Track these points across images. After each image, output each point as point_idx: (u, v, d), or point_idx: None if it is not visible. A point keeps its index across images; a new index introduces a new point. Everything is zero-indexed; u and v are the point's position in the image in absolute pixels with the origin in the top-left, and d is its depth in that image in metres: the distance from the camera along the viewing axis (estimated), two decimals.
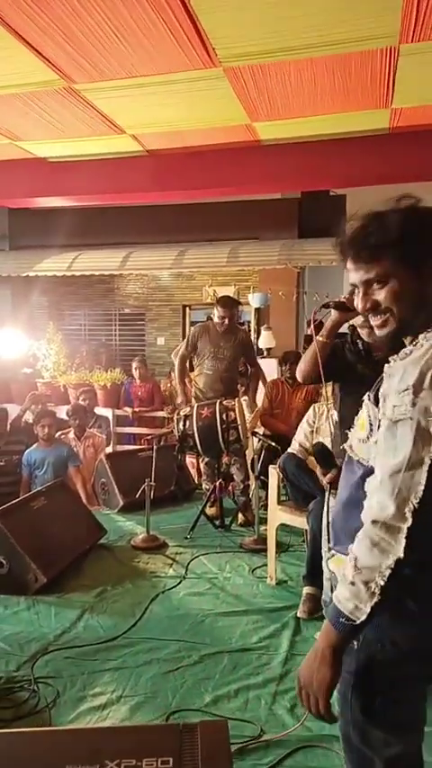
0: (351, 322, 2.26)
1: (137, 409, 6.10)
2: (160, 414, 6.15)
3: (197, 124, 4.02)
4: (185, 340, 4.65)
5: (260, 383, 4.87)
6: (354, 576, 1.03)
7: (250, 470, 4.35)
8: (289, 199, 6.89)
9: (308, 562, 2.88)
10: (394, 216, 1.11)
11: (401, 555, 1.00)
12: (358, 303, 1.18)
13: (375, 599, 1.01)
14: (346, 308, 2.11)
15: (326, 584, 1.30)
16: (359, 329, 2.22)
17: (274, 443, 4.00)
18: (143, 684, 2.36)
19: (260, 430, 4.54)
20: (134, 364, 6.38)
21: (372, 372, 2.21)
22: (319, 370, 2.11)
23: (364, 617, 1.02)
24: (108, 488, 4.67)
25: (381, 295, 1.13)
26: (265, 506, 3.47)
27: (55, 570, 3.22)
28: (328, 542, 1.29)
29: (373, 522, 1.03)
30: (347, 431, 1.29)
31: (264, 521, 3.74)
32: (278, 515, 3.22)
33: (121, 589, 3.23)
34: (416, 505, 1.00)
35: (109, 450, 5.52)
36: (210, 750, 0.92)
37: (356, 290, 1.18)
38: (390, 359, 1.12)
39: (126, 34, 2.80)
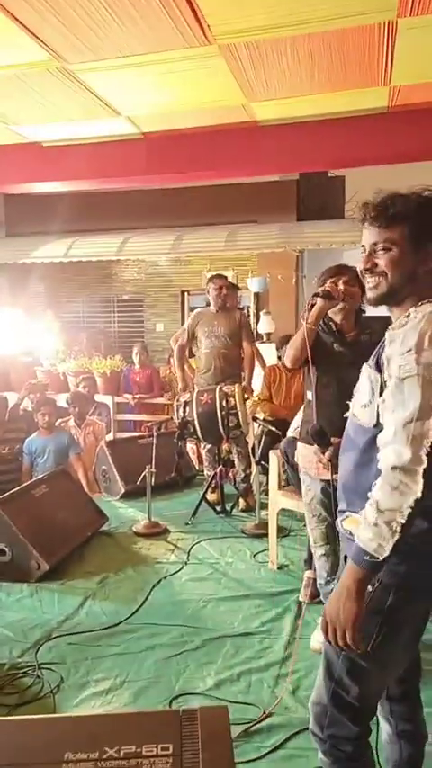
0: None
1: (137, 396, 6.08)
2: (161, 400, 6.13)
3: (193, 105, 3.95)
4: (183, 329, 4.62)
5: (258, 365, 4.80)
6: (377, 517, 1.16)
7: (251, 456, 4.34)
8: (287, 181, 6.81)
9: (309, 546, 2.88)
10: (416, 198, 1.28)
11: (419, 494, 1.14)
12: (361, 262, 1.34)
13: (397, 536, 1.15)
14: (331, 297, 2.29)
15: (342, 544, 1.43)
16: (332, 314, 2.40)
17: (274, 428, 3.99)
18: (146, 669, 2.37)
19: (260, 415, 4.52)
20: (135, 350, 6.35)
21: (346, 349, 2.31)
22: (307, 355, 2.26)
23: (386, 553, 1.16)
24: (109, 475, 4.67)
25: (381, 260, 1.30)
26: (266, 491, 3.47)
27: (57, 557, 3.23)
28: (340, 507, 1.40)
29: (393, 467, 1.16)
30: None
31: (265, 506, 3.74)
32: (279, 500, 3.21)
33: (123, 575, 3.24)
34: (429, 449, 1.15)
35: (109, 437, 5.52)
36: (210, 735, 0.91)
37: (363, 250, 1.34)
38: (389, 328, 1.28)
39: (119, 11, 2.73)
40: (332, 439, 2.03)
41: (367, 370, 1.32)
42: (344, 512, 1.37)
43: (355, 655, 1.29)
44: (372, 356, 1.33)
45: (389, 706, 1.52)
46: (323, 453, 2.05)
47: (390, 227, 1.28)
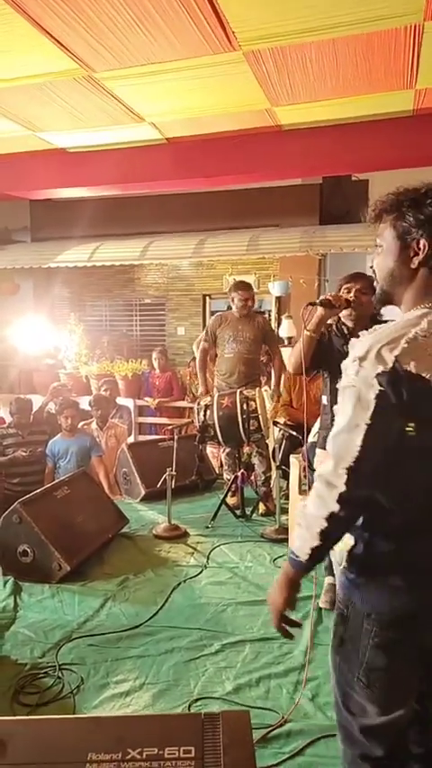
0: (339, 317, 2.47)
1: (158, 399, 6.12)
2: (182, 403, 6.15)
3: (217, 110, 3.96)
4: (205, 331, 4.63)
5: (282, 372, 4.82)
6: (301, 519, 1.18)
7: (271, 460, 4.33)
8: (310, 184, 6.79)
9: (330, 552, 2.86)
10: (404, 192, 1.23)
11: (335, 509, 1.12)
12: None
13: (316, 542, 1.16)
14: (331, 305, 2.31)
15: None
16: (345, 319, 2.44)
17: (294, 433, 3.98)
18: (165, 672, 2.38)
19: (281, 419, 4.51)
20: (154, 355, 6.39)
21: None
22: (308, 362, 2.35)
23: (306, 555, 1.18)
24: (130, 478, 4.69)
25: (375, 259, 1.29)
26: (287, 496, 3.46)
27: (78, 559, 3.26)
28: None
29: (318, 475, 1.16)
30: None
31: (285, 510, 3.74)
32: (299, 505, 3.19)
33: (143, 578, 3.25)
34: (351, 464, 1.10)
35: (131, 440, 5.55)
36: (232, 740, 0.92)
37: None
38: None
39: (145, 20, 2.76)
40: None
41: None
42: None
43: (345, 686, 1.26)
44: None
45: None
46: None
47: (380, 225, 1.27)
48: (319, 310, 2.33)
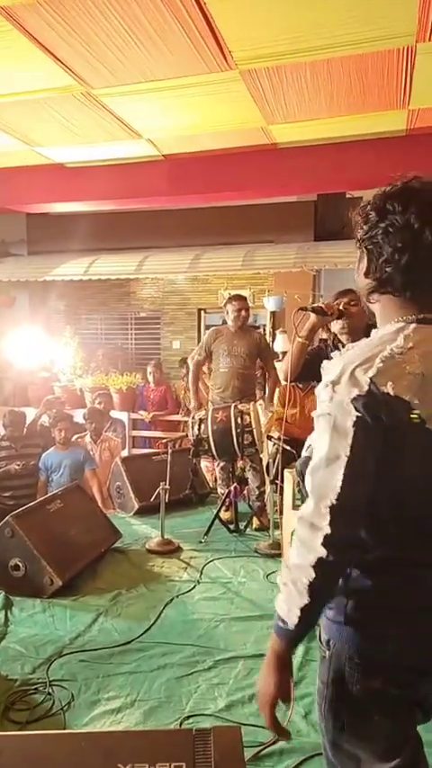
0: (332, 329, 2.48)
1: (153, 413, 6.11)
2: (176, 417, 6.15)
3: (213, 128, 4.02)
4: (199, 346, 4.65)
5: (276, 387, 4.84)
6: (286, 576, 1.01)
7: (265, 474, 4.33)
8: (304, 201, 6.87)
9: None
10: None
11: (323, 554, 0.97)
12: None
13: (305, 600, 0.98)
14: (323, 313, 2.32)
15: None
16: (339, 334, 2.43)
17: (289, 447, 3.97)
18: (157, 689, 2.35)
19: (275, 434, 4.51)
20: (149, 368, 6.40)
21: None
22: (298, 369, 2.35)
23: (295, 620, 0.99)
24: (123, 492, 4.67)
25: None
26: (280, 511, 3.45)
27: (70, 573, 3.22)
28: None
29: (299, 519, 1.02)
30: None
31: (278, 525, 3.72)
32: (293, 520, 3.19)
33: (135, 593, 3.22)
34: (334, 502, 0.97)
35: (125, 453, 5.53)
36: (223, 756, 0.90)
37: None
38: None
39: (143, 39, 2.81)
40: None
41: None
42: None
43: (333, 734, 1.10)
44: None
45: None
46: None
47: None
48: (312, 317, 2.35)
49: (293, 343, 2.39)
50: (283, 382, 2.62)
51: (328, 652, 1.10)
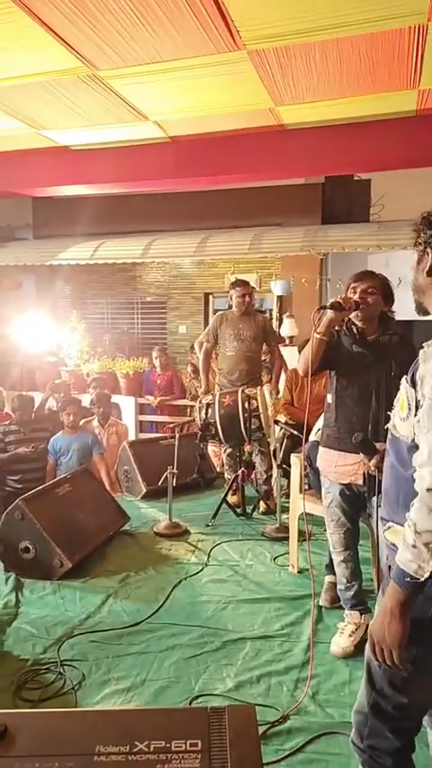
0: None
1: (159, 398, 6.13)
2: (183, 402, 6.16)
3: (220, 109, 3.97)
4: (206, 332, 4.65)
5: (282, 371, 4.84)
6: (415, 539, 1.15)
7: (273, 459, 4.35)
8: (312, 184, 6.79)
9: (330, 551, 2.87)
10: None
11: None
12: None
13: None
14: (341, 308, 2.32)
15: (383, 551, 1.42)
16: (354, 319, 2.45)
17: (295, 432, 3.98)
18: (166, 669, 2.39)
19: (282, 418, 4.52)
20: (154, 353, 6.40)
21: (365, 350, 2.37)
22: (316, 364, 2.39)
23: (427, 574, 1.15)
24: (131, 475, 4.71)
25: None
26: (287, 495, 3.47)
27: (80, 555, 3.27)
28: (383, 515, 1.40)
29: (428, 489, 1.14)
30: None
31: (285, 509, 3.75)
32: (300, 504, 3.21)
33: (144, 575, 3.26)
34: None
35: (132, 437, 5.56)
36: (238, 734, 0.93)
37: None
38: (423, 345, 1.26)
39: (149, 18, 2.77)
40: (377, 445, 2.08)
41: (404, 385, 1.32)
42: (386, 521, 1.36)
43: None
44: (408, 371, 1.32)
45: None
46: (369, 461, 2.10)
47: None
48: (329, 313, 2.33)
49: (312, 339, 2.38)
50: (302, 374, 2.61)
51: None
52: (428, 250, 1.30)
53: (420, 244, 1.33)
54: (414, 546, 1.15)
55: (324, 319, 2.34)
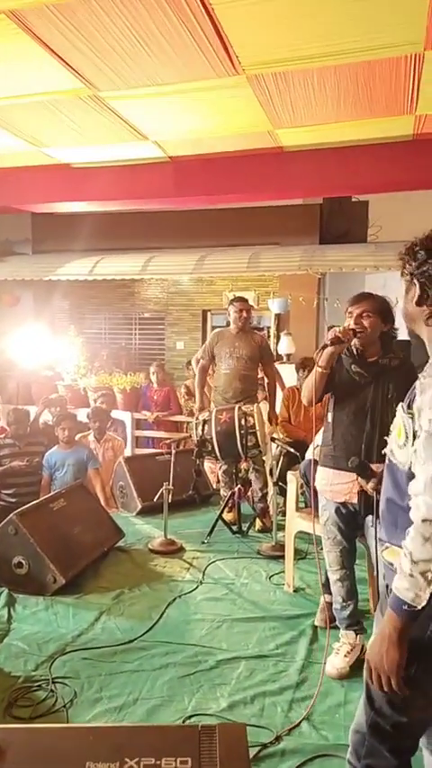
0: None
1: (156, 413, 6.13)
2: (179, 418, 6.17)
3: (219, 131, 4.04)
4: (203, 349, 4.68)
5: (278, 388, 4.86)
6: (411, 568, 1.17)
7: (269, 476, 4.34)
8: (311, 205, 6.88)
9: (326, 571, 2.86)
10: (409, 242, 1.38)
11: None
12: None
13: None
14: (340, 342, 2.39)
15: (381, 572, 1.44)
16: (353, 344, 2.50)
17: (292, 449, 3.99)
18: (159, 688, 2.37)
19: (279, 435, 4.53)
20: (152, 369, 6.42)
21: (364, 370, 2.42)
22: (319, 395, 2.48)
23: (424, 602, 1.17)
24: (126, 491, 4.69)
25: None
26: (284, 513, 3.46)
27: (73, 571, 3.25)
28: (381, 536, 1.42)
29: (423, 520, 1.17)
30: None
31: (282, 527, 3.73)
32: (296, 522, 3.20)
33: (138, 592, 3.24)
34: None
35: (128, 453, 5.55)
36: (228, 752, 0.92)
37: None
38: (420, 376, 1.30)
39: (150, 43, 2.83)
40: (374, 466, 2.13)
41: (400, 412, 1.34)
42: (384, 542, 1.38)
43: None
44: (405, 399, 1.35)
45: None
46: (367, 484, 2.15)
47: None
48: (329, 349, 2.40)
49: (314, 373, 2.45)
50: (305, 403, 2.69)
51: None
52: (415, 281, 1.33)
53: (406, 274, 1.35)
54: (411, 575, 1.17)
55: (325, 355, 2.41)
